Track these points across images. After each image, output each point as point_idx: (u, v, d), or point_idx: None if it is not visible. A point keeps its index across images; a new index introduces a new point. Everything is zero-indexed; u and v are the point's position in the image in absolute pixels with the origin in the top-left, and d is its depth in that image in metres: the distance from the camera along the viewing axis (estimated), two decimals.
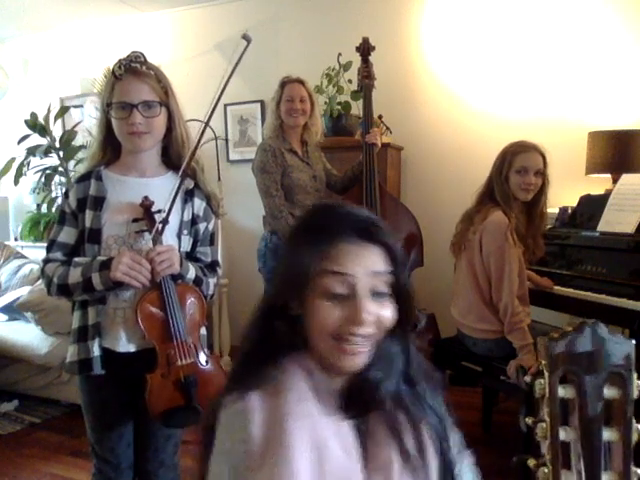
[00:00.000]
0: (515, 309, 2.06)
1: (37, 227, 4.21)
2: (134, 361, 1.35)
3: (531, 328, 2.10)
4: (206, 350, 1.46)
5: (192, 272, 1.40)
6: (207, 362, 1.42)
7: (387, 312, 0.79)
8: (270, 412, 0.75)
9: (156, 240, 1.32)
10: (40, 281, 3.06)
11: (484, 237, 2.14)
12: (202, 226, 1.46)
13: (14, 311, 3.11)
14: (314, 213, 0.88)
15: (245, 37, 1.35)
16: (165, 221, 1.33)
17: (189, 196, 1.43)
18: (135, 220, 1.33)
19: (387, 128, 3.21)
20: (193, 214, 1.44)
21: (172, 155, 1.42)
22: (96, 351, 1.32)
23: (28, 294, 2.97)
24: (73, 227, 1.35)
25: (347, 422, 0.79)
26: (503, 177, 2.15)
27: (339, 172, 2.78)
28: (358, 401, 0.81)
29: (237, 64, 1.36)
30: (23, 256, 3.73)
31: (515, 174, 2.14)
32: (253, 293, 3.57)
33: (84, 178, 1.36)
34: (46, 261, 1.36)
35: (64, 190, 1.39)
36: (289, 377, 0.78)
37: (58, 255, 1.35)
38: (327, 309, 0.77)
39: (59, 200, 4.10)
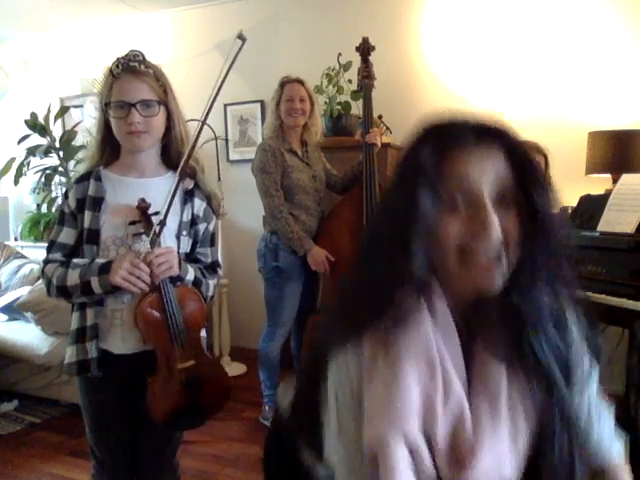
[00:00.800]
0: None
1: (37, 227, 4.21)
2: (132, 363, 1.35)
3: None
4: (207, 351, 1.46)
5: (191, 274, 1.39)
6: (208, 363, 1.42)
7: (513, 224, 0.70)
8: (384, 345, 0.71)
9: (154, 242, 1.31)
10: (40, 281, 3.06)
11: None
12: (202, 227, 1.45)
13: (14, 311, 3.11)
14: (428, 122, 0.80)
15: (240, 37, 1.34)
16: (162, 223, 1.32)
17: (189, 196, 1.42)
18: (132, 223, 1.32)
19: (387, 128, 3.21)
20: (193, 215, 1.42)
21: (172, 155, 1.41)
22: (93, 353, 1.32)
23: (28, 294, 2.97)
24: (72, 228, 1.35)
25: (460, 346, 0.74)
26: None
27: (339, 172, 2.79)
28: (479, 318, 0.75)
29: (232, 63, 1.35)
30: (23, 256, 3.73)
31: None
32: (253, 293, 3.61)
33: (83, 178, 1.36)
34: (46, 262, 1.36)
35: (64, 191, 1.38)
36: (406, 310, 0.72)
37: (58, 256, 1.35)
38: (449, 221, 0.70)
39: (59, 200, 4.10)
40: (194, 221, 1.43)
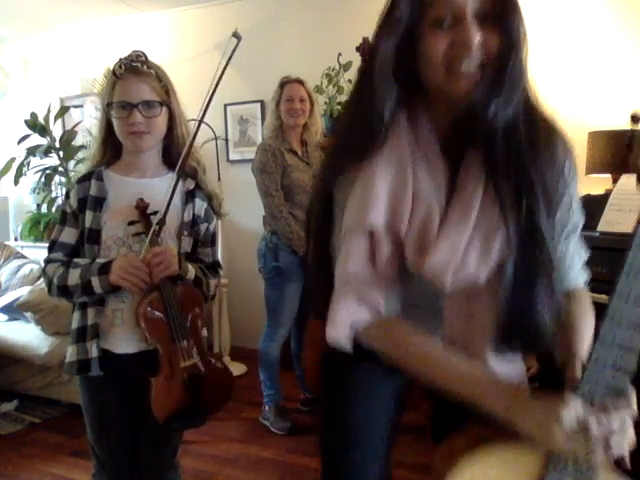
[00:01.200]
0: None
1: (37, 227, 4.21)
2: (134, 363, 1.35)
3: None
4: (208, 350, 1.46)
5: (192, 273, 1.39)
6: (210, 362, 1.42)
7: (493, 42, 0.79)
8: (368, 158, 0.85)
9: (153, 242, 1.31)
10: (40, 281, 3.07)
11: None
12: (203, 227, 1.45)
13: (14, 311, 3.11)
14: None
15: (235, 35, 1.34)
16: (162, 222, 1.32)
17: (190, 197, 1.42)
18: (131, 223, 1.32)
19: None
20: (194, 215, 1.42)
21: (173, 155, 1.41)
22: (94, 352, 1.32)
23: (28, 294, 2.96)
24: (74, 227, 1.35)
25: (443, 160, 0.85)
26: None
27: None
28: (463, 136, 0.85)
29: (228, 63, 1.34)
30: (23, 256, 3.72)
31: None
32: (253, 293, 3.61)
33: (85, 178, 1.36)
34: (47, 261, 1.36)
35: (65, 190, 1.39)
36: (394, 128, 0.84)
37: (59, 255, 1.35)
38: (435, 37, 0.79)
39: (59, 200, 4.11)
40: (195, 221, 1.43)
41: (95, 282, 1.27)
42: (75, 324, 1.36)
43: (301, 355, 2.69)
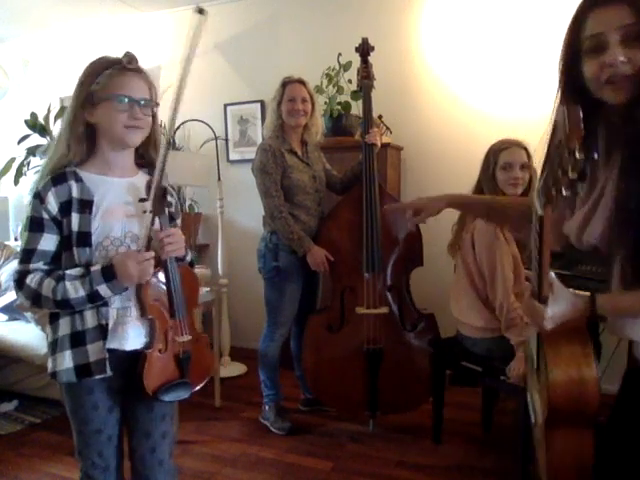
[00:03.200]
0: (511, 305, 2.08)
1: None
2: (137, 356, 1.37)
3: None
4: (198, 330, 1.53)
5: (189, 256, 1.49)
6: (199, 340, 1.49)
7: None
8: None
9: (163, 220, 1.35)
10: None
11: (475, 236, 2.18)
12: (178, 222, 1.52)
13: (14, 311, 3.12)
14: None
15: (200, 11, 1.18)
16: (168, 203, 1.37)
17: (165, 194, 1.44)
18: (142, 200, 1.35)
19: (387, 128, 3.21)
20: (169, 212, 1.43)
21: (149, 155, 1.43)
22: (104, 353, 1.31)
23: None
24: (54, 234, 1.30)
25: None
26: (490, 176, 2.21)
27: (339, 172, 2.79)
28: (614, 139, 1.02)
29: (195, 45, 1.19)
30: None
31: (501, 171, 2.20)
32: (253, 293, 3.61)
33: (60, 180, 1.30)
34: (24, 272, 1.28)
35: (33, 193, 1.30)
36: None
37: (39, 265, 1.29)
38: (590, 62, 0.99)
39: None
40: (172, 217, 1.46)
41: (103, 290, 1.26)
42: (65, 330, 1.32)
43: (301, 355, 2.69)
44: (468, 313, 2.26)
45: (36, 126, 3.89)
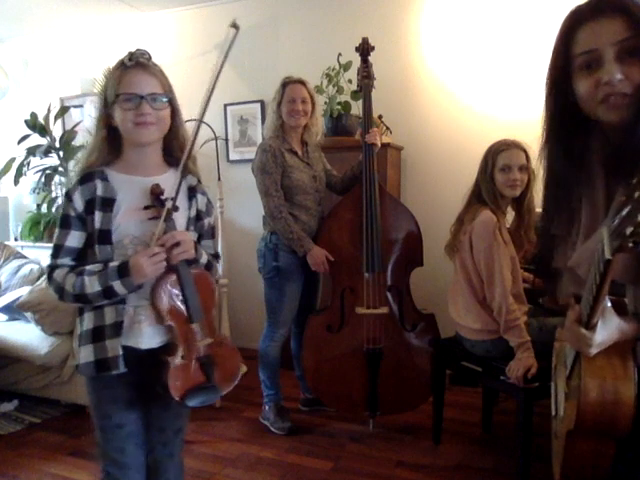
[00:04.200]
0: (509, 307, 2.07)
1: (37, 227, 4.21)
2: (155, 356, 1.38)
3: (528, 326, 2.11)
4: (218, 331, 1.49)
5: (204, 257, 1.47)
6: (221, 343, 1.47)
7: (637, 70, 0.89)
8: None
9: (169, 225, 1.35)
10: (40, 281, 3.07)
11: (473, 237, 2.17)
12: (206, 221, 1.52)
13: (14, 311, 3.11)
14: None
15: (234, 25, 1.33)
16: (175, 207, 1.36)
17: (192, 193, 1.47)
18: (146, 207, 1.35)
19: (387, 128, 3.21)
20: (198, 210, 1.48)
21: (174, 152, 1.43)
22: (118, 350, 1.33)
23: (28, 294, 2.97)
24: (81, 231, 1.34)
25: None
26: (488, 176, 2.20)
27: (339, 172, 2.79)
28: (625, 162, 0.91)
29: (227, 54, 1.34)
30: (23, 256, 3.72)
31: (500, 172, 2.18)
32: (253, 293, 3.60)
33: (87, 179, 1.35)
34: (53, 267, 1.35)
35: (64, 192, 1.37)
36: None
37: (66, 260, 1.34)
38: (582, 80, 0.94)
39: (59, 200, 4.11)
40: (199, 216, 1.49)
41: (118, 286, 1.29)
42: (89, 325, 1.36)
43: (301, 355, 2.69)
44: (466, 315, 2.26)
45: (36, 126, 3.89)
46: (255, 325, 3.20)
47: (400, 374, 2.55)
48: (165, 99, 1.35)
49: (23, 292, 3.06)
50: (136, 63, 1.33)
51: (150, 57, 1.37)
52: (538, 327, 2.16)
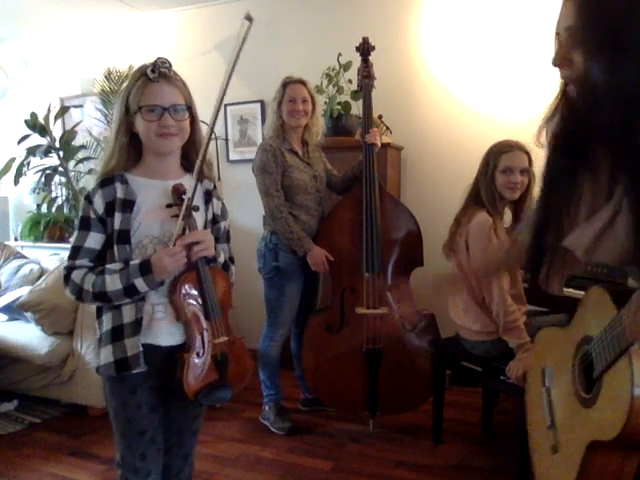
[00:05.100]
0: (508, 308, 2.07)
1: (37, 227, 4.21)
2: (174, 353, 1.39)
3: (528, 326, 2.11)
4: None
5: (222, 257, 1.50)
6: (235, 342, 1.49)
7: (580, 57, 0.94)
8: None
9: (190, 224, 1.37)
10: (40, 281, 3.06)
11: (469, 239, 2.17)
12: (222, 225, 1.55)
13: (14, 311, 3.11)
14: None
15: (248, 17, 1.31)
16: (195, 207, 1.38)
17: (209, 197, 1.50)
18: (169, 205, 1.37)
19: (387, 128, 3.21)
20: (214, 213, 1.52)
21: (192, 157, 1.45)
22: (138, 348, 1.33)
23: (28, 294, 2.96)
24: (100, 233, 1.35)
25: None
26: (489, 177, 2.18)
27: (339, 172, 2.79)
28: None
29: (242, 47, 1.35)
30: (23, 256, 3.72)
31: (501, 174, 2.16)
32: (253, 293, 3.61)
33: (107, 183, 1.37)
34: (71, 268, 1.35)
35: (85, 195, 1.38)
36: None
37: (85, 262, 1.35)
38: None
39: (59, 200, 4.11)
40: (215, 220, 1.52)
41: (140, 283, 1.30)
42: (108, 325, 1.36)
43: (301, 355, 2.69)
44: (464, 316, 2.26)
45: (36, 126, 3.88)
46: (255, 325, 3.19)
47: (400, 374, 2.55)
48: (186, 109, 1.38)
49: (23, 292, 3.06)
50: (159, 74, 1.34)
51: (171, 66, 1.38)
52: (537, 327, 2.16)
